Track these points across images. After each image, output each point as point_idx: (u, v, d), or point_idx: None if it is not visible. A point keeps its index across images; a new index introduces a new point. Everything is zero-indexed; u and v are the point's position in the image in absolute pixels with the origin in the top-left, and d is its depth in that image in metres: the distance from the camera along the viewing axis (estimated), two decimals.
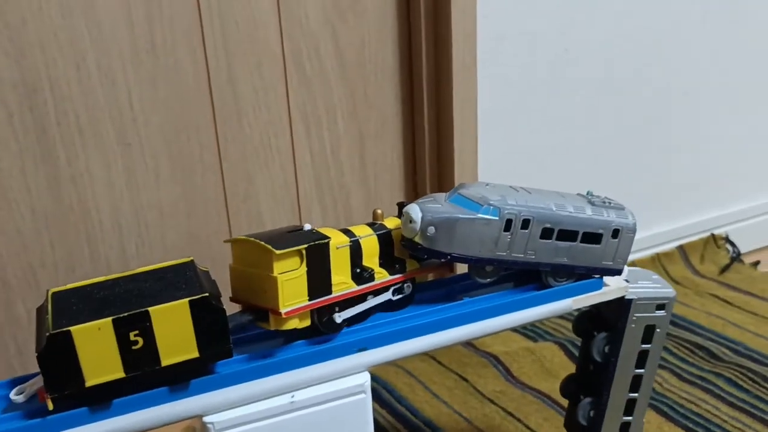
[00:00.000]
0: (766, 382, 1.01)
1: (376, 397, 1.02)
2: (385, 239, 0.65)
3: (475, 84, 1.07)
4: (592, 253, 0.67)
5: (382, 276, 0.63)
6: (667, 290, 0.72)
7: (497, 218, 0.62)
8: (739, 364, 1.06)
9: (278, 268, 0.55)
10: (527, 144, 1.19)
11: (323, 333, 0.60)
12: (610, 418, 0.74)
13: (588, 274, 0.68)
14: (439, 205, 0.63)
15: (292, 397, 0.57)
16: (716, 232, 1.43)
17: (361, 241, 0.62)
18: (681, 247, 1.39)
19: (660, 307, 0.71)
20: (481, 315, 0.64)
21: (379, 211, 0.68)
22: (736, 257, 1.41)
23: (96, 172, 0.93)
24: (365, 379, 0.60)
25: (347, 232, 0.63)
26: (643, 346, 0.72)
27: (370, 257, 0.63)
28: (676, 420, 0.95)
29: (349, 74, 1.05)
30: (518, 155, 1.19)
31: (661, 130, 1.33)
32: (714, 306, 1.24)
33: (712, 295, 1.28)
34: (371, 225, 0.65)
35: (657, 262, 1.36)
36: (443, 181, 1.11)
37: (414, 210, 0.62)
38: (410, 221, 0.62)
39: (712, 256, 1.41)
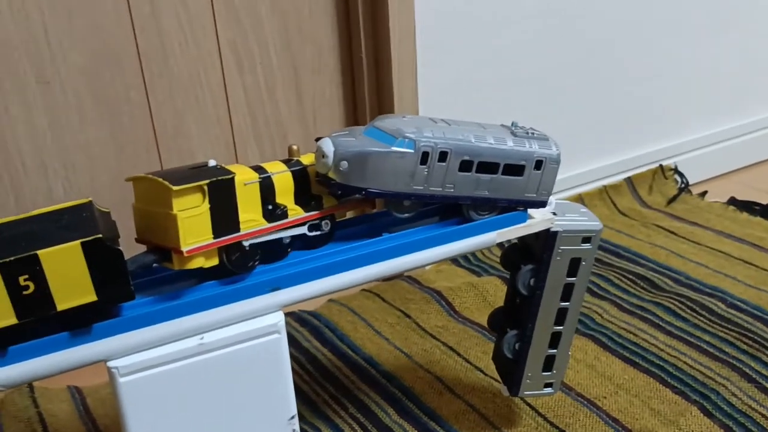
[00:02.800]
0: (704, 310, 1.03)
1: (318, 335, 1.02)
2: (301, 175, 0.63)
3: (413, 15, 1.03)
4: (515, 185, 0.66)
5: (296, 213, 0.61)
6: (594, 223, 0.71)
7: (412, 151, 0.60)
8: (679, 294, 1.07)
9: (177, 205, 0.53)
10: (469, 77, 1.17)
11: (235, 273, 0.59)
12: (534, 350, 0.74)
13: (512, 207, 0.67)
14: (353, 138, 0.61)
15: (201, 338, 0.56)
16: (664, 163, 1.42)
17: (273, 177, 0.60)
18: (629, 179, 1.39)
19: (586, 240, 0.70)
20: (400, 251, 0.63)
21: (294, 147, 0.65)
22: (684, 188, 1.41)
23: (15, 112, 0.89)
24: (278, 318, 0.59)
25: (259, 168, 0.60)
26: (569, 279, 0.72)
27: (284, 194, 0.61)
28: (613, 350, 0.96)
29: (282, 6, 1.00)
30: (460, 88, 1.16)
31: (607, 60, 1.31)
32: (659, 237, 1.25)
33: (657, 226, 1.29)
34: (286, 161, 0.63)
35: (605, 194, 1.36)
36: (384, 113, 1.08)
37: (326, 144, 0.60)
38: (323, 156, 0.60)
39: (660, 187, 1.41)
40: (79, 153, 0.94)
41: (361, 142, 0.60)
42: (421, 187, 0.62)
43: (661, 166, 1.41)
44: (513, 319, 0.76)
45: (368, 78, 1.06)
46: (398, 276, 1.16)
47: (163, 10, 0.93)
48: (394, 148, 0.60)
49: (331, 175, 0.60)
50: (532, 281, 0.72)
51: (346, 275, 0.61)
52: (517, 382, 0.76)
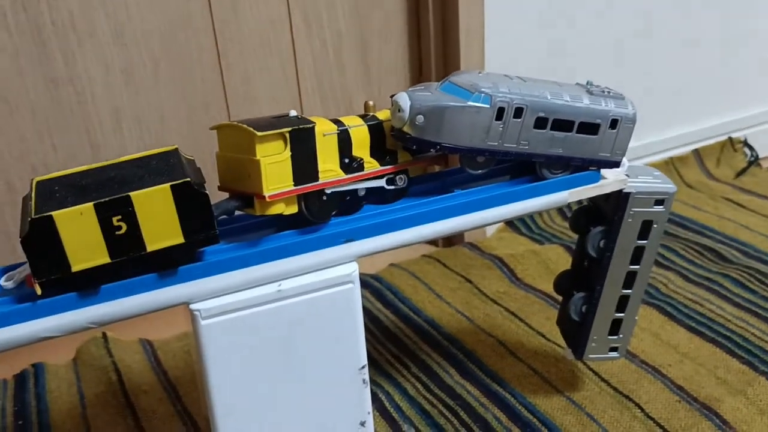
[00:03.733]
0: None
1: (380, 297, 1.03)
2: (377, 130, 0.63)
3: None
4: (589, 143, 0.65)
5: (372, 166, 0.62)
6: (668, 185, 0.70)
7: (488, 106, 0.61)
8: (748, 266, 1.05)
9: (261, 151, 0.54)
10: (537, 44, 1.16)
11: (312, 223, 0.60)
12: (601, 313, 0.74)
13: (585, 166, 0.67)
14: (428, 93, 0.61)
15: (279, 285, 0.58)
16: (734, 135, 1.39)
17: (350, 130, 0.61)
18: (696, 151, 1.36)
19: (659, 202, 0.70)
20: (472, 207, 0.63)
21: (370, 103, 0.66)
22: (754, 161, 1.38)
23: (93, 72, 0.92)
24: (353, 269, 0.60)
25: (337, 121, 0.62)
26: (639, 241, 0.71)
27: (361, 148, 0.62)
28: (679, 320, 0.95)
29: None
30: (528, 56, 1.15)
31: (679, 29, 1.28)
32: (727, 209, 1.22)
33: (725, 198, 1.26)
34: (363, 116, 0.64)
35: (671, 166, 1.33)
36: None
37: (402, 98, 0.60)
38: (399, 110, 0.60)
39: (728, 160, 1.38)
40: (154, 113, 0.97)
41: (437, 97, 0.60)
42: (496, 143, 0.62)
43: (730, 138, 1.38)
44: (581, 281, 0.76)
45: (435, 44, 1.06)
46: (460, 241, 1.16)
47: None
48: (470, 103, 0.60)
49: (406, 129, 0.61)
50: (602, 243, 0.72)
51: (418, 229, 0.62)
52: (582, 344, 0.76)
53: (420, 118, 0.60)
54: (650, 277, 1.04)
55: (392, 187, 0.64)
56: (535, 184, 0.66)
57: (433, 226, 0.62)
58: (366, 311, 1.01)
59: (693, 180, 1.33)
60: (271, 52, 1.00)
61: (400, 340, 0.94)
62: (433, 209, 0.62)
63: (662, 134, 1.33)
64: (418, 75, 1.11)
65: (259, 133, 0.54)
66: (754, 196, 1.27)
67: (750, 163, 1.37)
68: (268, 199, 0.55)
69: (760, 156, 1.40)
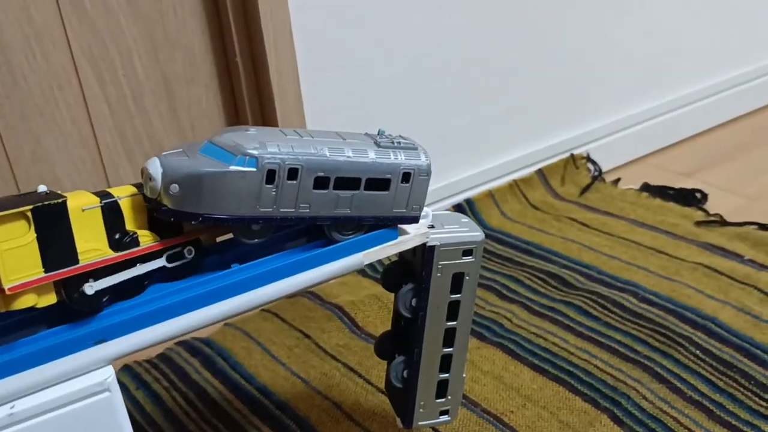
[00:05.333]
0: (615, 307, 0.98)
1: (210, 365, 0.94)
2: None
3: (287, 9, 0.95)
4: (381, 201, 0.59)
5: (149, 240, 0.54)
6: (474, 234, 0.65)
7: (255, 169, 0.53)
8: (591, 291, 1.02)
9: None
10: (359, 74, 1.10)
11: (87, 314, 0.51)
12: (424, 377, 0.68)
13: (380, 224, 0.61)
14: (185, 158, 0.53)
15: (12, 408, 0.48)
16: (576, 151, 1.38)
17: (120, 201, 0.53)
18: (540, 171, 1.34)
19: (467, 252, 0.64)
20: (250, 284, 0.56)
21: None
22: (598, 176, 1.37)
23: None
24: (107, 374, 0.51)
25: (103, 193, 0.53)
26: (453, 296, 0.65)
27: (136, 220, 0.54)
28: (523, 357, 0.91)
29: (143, 10, 0.91)
30: (350, 87, 1.09)
31: (507, 48, 1.25)
32: (571, 230, 1.20)
33: (570, 218, 1.24)
34: (140, 184, 0.56)
35: (515, 189, 1.30)
36: (268, 120, 1.00)
37: (153, 165, 0.52)
38: (150, 179, 0.52)
39: (573, 177, 1.36)
40: None
41: (194, 162, 0.52)
42: (270, 209, 0.55)
43: (572, 155, 1.37)
44: (400, 344, 0.70)
45: (246, 82, 0.98)
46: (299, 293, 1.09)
47: (3, 22, 0.83)
48: (233, 168, 0.52)
49: (162, 199, 0.52)
50: (413, 302, 0.66)
51: (183, 319, 0.53)
52: (409, 412, 0.70)
53: (174, 188, 0.52)
54: (494, 312, 0.99)
55: (177, 263, 0.56)
56: (324, 249, 0.59)
57: (202, 313, 0.54)
58: (192, 383, 0.91)
59: (538, 201, 1.31)
60: (58, 106, 0.89)
61: (228, 414, 0.85)
62: (202, 293, 0.54)
63: (504, 156, 1.30)
64: (234, 115, 1.02)
65: None
66: (598, 214, 1.26)
67: (594, 179, 1.36)
68: (8, 292, 0.46)
69: (604, 170, 1.40)
